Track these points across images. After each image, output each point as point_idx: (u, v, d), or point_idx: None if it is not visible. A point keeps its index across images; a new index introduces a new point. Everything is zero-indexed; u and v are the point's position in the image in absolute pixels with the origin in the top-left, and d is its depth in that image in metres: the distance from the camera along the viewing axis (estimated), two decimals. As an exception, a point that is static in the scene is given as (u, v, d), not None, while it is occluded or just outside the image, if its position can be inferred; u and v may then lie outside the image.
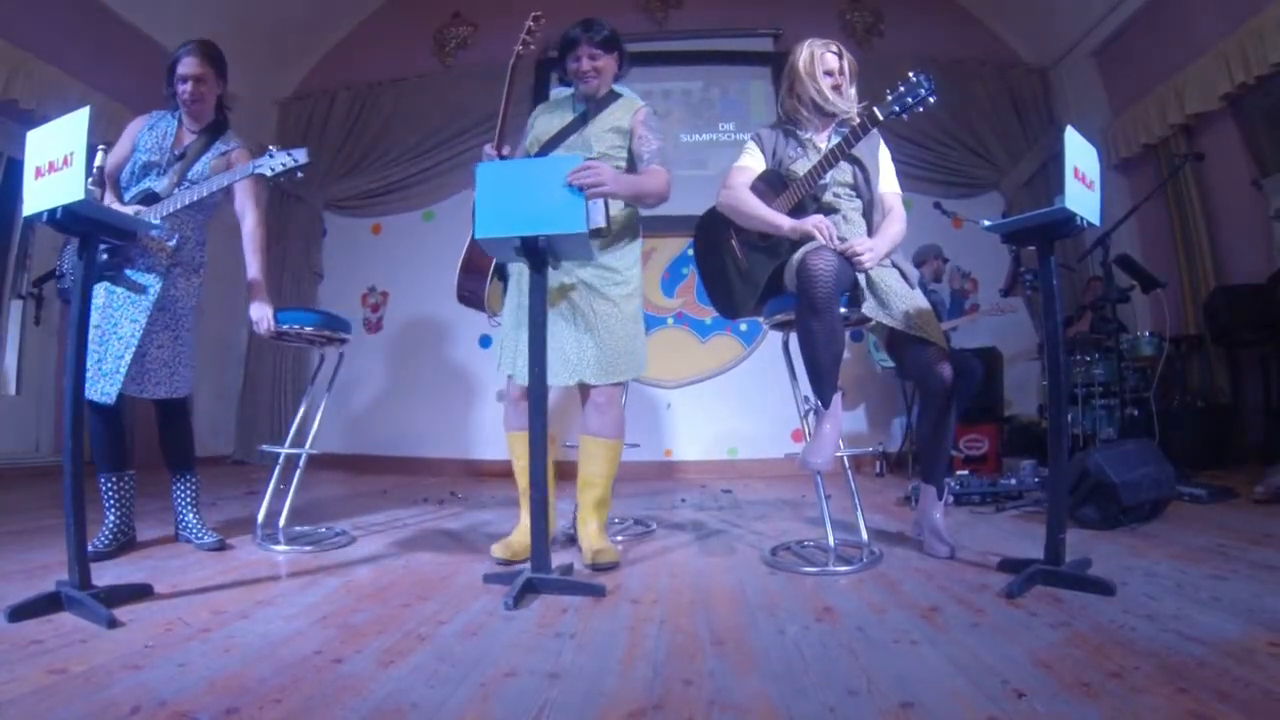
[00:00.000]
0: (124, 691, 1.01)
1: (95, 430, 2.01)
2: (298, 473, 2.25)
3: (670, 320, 4.84)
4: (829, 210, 1.99)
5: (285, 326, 2.18)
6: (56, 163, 1.40)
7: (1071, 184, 1.49)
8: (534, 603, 1.48)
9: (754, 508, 2.98)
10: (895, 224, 1.99)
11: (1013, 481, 2.84)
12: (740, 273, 2.09)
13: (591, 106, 2.06)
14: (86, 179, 1.39)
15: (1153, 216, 4.14)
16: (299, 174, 1.97)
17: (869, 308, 1.88)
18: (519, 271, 2.06)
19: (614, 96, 2.09)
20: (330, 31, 5.45)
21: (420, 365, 4.98)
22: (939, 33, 5.10)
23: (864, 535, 1.93)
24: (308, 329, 2.24)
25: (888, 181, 2.06)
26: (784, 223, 1.90)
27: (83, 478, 1.45)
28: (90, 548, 1.72)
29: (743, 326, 4.71)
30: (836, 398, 1.82)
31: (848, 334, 1.94)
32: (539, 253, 1.59)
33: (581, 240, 1.59)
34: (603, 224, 1.71)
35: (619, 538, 2.26)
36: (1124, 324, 3.75)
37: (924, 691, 0.99)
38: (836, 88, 2.00)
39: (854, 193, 2.02)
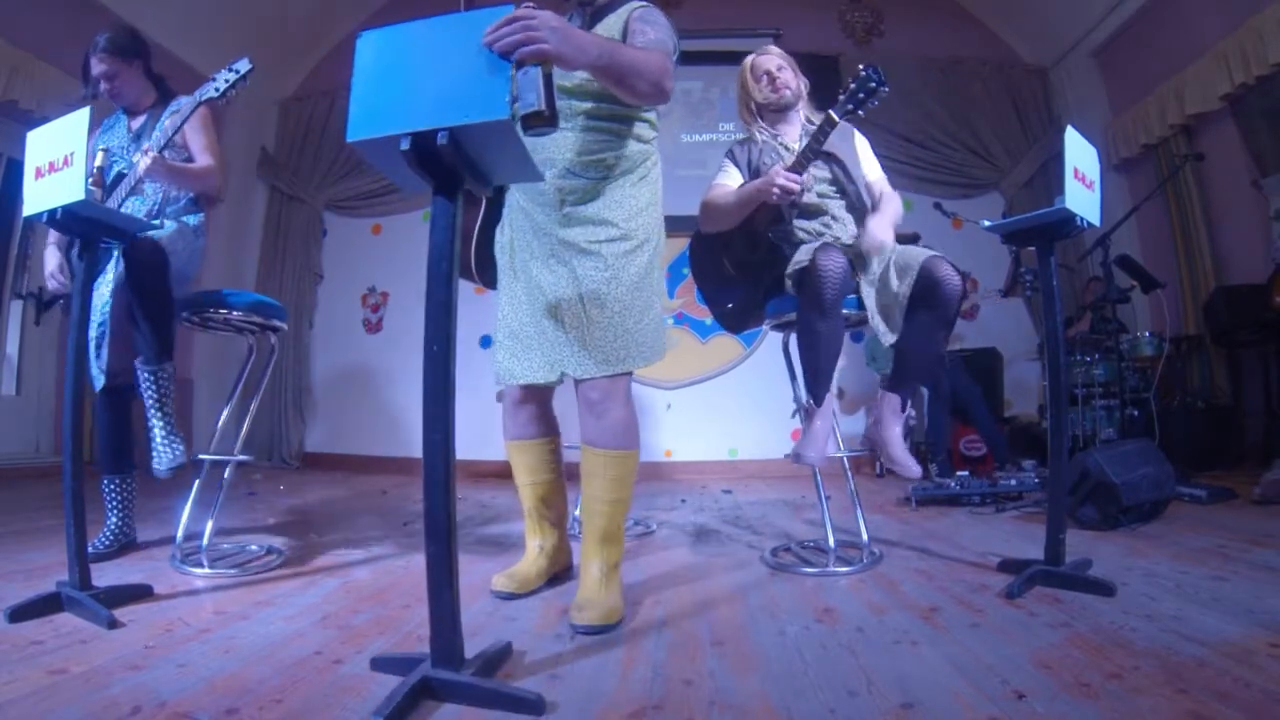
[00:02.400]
0: (124, 692, 1.01)
1: (103, 424, 1.96)
2: (224, 484, 1.96)
3: (670, 320, 4.84)
4: (814, 212, 1.98)
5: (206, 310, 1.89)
6: (56, 163, 1.39)
7: (1071, 184, 1.49)
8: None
9: (754, 508, 2.98)
10: (892, 203, 1.96)
11: (1013, 482, 2.84)
12: (736, 288, 2.10)
13: (587, 20, 1.58)
14: (86, 179, 1.39)
15: (1153, 216, 4.14)
16: (246, 82, 1.81)
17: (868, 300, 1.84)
18: (509, 243, 1.64)
19: (618, 4, 1.59)
20: (330, 31, 5.45)
21: (420, 366, 4.97)
22: (939, 33, 5.10)
23: (864, 536, 1.93)
24: (234, 314, 1.94)
25: (870, 168, 2.05)
26: (751, 186, 1.86)
27: (83, 478, 1.45)
28: (90, 548, 1.71)
29: (743, 327, 4.72)
30: (830, 395, 1.82)
31: (847, 335, 1.94)
32: (440, 162, 1.02)
33: (507, 135, 1.01)
34: (538, 105, 1.08)
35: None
36: (1124, 324, 3.76)
37: (924, 692, 0.99)
38: (772, 82, 2.08)
39: (836, 189, 2.00)
